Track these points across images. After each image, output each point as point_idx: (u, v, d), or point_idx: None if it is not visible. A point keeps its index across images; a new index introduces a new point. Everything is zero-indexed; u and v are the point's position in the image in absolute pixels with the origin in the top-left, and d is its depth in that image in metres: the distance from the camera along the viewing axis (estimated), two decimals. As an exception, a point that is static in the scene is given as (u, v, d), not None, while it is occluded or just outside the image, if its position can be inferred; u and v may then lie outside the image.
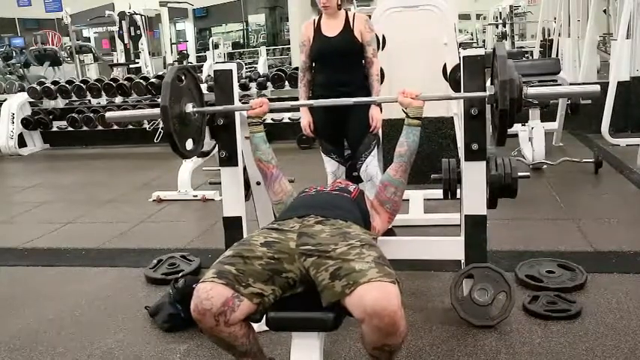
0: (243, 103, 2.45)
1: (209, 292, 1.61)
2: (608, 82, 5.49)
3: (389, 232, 3.28)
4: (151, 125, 1.91)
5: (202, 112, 2.23)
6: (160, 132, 1.84)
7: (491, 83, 2.09)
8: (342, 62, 3.00)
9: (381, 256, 1.68)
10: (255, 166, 2.34)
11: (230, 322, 1.63)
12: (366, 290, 1.53)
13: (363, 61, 3.06)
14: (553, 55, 8.78)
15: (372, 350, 1.66)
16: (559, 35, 8.54)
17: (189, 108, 2.13)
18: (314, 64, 3.12)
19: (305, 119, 3.15)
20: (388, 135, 4.53)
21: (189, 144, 2.16)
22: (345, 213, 1.93)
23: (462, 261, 2.45)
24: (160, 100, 2.00)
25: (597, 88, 1.98)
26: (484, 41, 15.65)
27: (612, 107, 5.35)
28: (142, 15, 11.23)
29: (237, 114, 2.36)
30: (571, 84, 5.24)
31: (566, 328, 2.26)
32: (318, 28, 3.06)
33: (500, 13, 13.59)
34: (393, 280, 1.56)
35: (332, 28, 3.03)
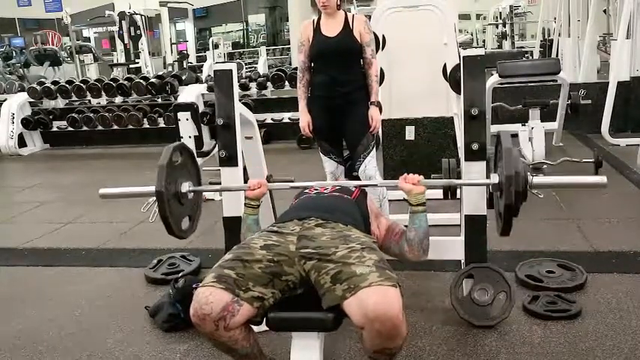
0: (243, 103, 2.44)
1: (209, 297, 1.60)
2: (608, 82, 5.49)
3: None
4: (145, 206, 1.93)
5: (199, 191, 2.20)
6: (155, 212, 1.81)
7: (495, 171, 2.05)
8: (342, 62, 3.00)
9: (382, 260, 1.67)
10: (255, 166, 2.34)
11: (230, 327, 1.62)
12: (367, 294, 1.52)
13: (362, 62, 3.06)
14: (553, 55, 8.79)
15: (372, 353, 1.65)
16: (559, 35, 8.54)
17: (186, 187, 2.08)
18: (313, 64, 3.12)
19: (304, 120, 3.15)
20: (388, 135, 4.55)
21: (184, 223, 2.14)
22: (345, 216, 1.92)
23: (462, 261, 2.45)
24: (155, 182, 1.95)
25: (604, 179, 1.86)
26: (484, 41, 15.66)
27: (612, 107, 5.35)
28: (142, 15, 11.24)
29: (236, 114, 2.36)
30: (572, 84, 5.25)
31: (566, 328, 2.26)
32: (317, 28, 3.06)
33: (500, 13, 13.59)
34: (394, 284, 1.55)
35: (331, 28, 3.03)
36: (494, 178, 1.98)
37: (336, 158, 3.19)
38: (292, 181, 2.39)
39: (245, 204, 2.13)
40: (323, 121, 3.10)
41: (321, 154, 3.24)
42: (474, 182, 2.20)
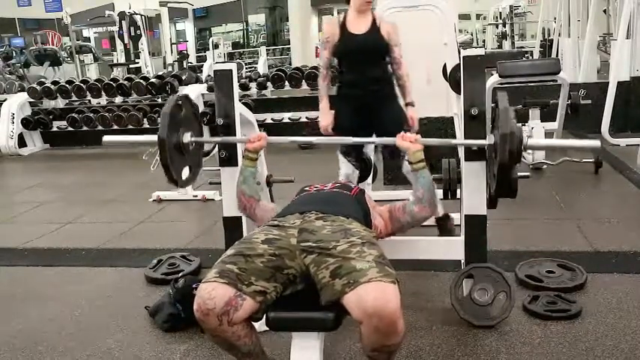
0: (243, 103, 2.45)
1: (212, 292, 1.61)
2: (608, 82, 5.49)
3: None
4: (147, 154, 1.93)
5: (200, 142, 2.22)
6: (156, 160, 1.86)
7: (492, 132, 2.08)
8: (369, 60, 2.97)
9: (382, 255, 1.68)
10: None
11: (233, 322, 1.63)
12: (366, 290, 1.53)
13: (390, 62, 3.03)
14: (553, 55, 8.79)
15: (370, 352, 1.66)
16: (559, 35, 8.54)
17: (187, 138, 2.11)
18: (340, 63, 3.09)
19: (326, 119, 3.09)
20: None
21: (185, 172, 2.15)
22: (346, 209, 1.93)
23: (462, 261, 2.45)
24: (158, 128, 1.98)
25: (598, 143, 1.97)
26: (484, 41, 15.66)
27: (612, 107, 5.35)
28: (142, 15, 11.24)
29: (236, 114, 2.36)
30: (572, 84, 5.25)
31: (566, 328, 2.26)
32: (343, 26, 3.03)
33: (500, 13, 13.60)
34: (393, 280, 1.56)
35: (359, 26, 3.00)
36: (490, 139, 2.03)
37: (355, 162, 3.14)
38: (292, 181, 2.39)
39: (244, 156, 2.20)
40: (351, 121, 3.05)
41: (339, 156, 3.18)
42: (470, 143, 2.20)
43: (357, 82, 3.01)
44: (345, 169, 3.16)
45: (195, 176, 2.25)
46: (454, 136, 3.81)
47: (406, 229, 2.19)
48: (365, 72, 2.98)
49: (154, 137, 2.00)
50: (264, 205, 2.22)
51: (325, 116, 3.11)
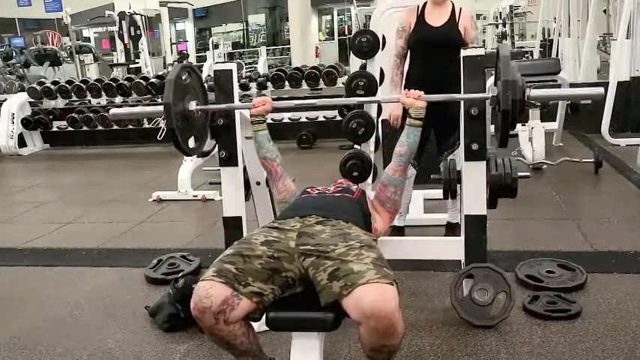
0: (243, 102, 2.46)
1: (209, 291, 1.62)
2: (608, 82, 5.49)
3: (398, 233, 3.29)
4: (154, 122, 1.90)
5: (205, 110, 2.23)
6: (163, 129, 1.85)
7: (494, 84, 2.08)
8: (441, 54, 2.87)
9: (380, 258, 1.68)
10: (255, 166, 2.34)
11: (229, 321, 1.63)
12: (364, 292, 1.53)
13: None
14: (553, 55, 8.79)
15: (370, 352, 1.66)
16: (559, 35, 8.54)
17: (193, 106, 2.14)
18: (410, 54, 3.03)
19: (397, 110, 3.07)
20: (388, 135, 4.55)
21: (191, 142, 2.16)
22: (346, 214, 1.93)
23: (462, 261, 2.45)
24: (163, 96, 2.01)
25: (601, 90, 1.99)
26: (484, 41, 15.65)
27: (612, 107, 5.35)
28: (142, 15, 11.23)
29: (237, 114, 2.36)
30: (572, 84, 5.25)
31: (566, 328, 2.26)
32: (421, 16, 2.98)
33: (500, 13, 13.58)
34: (391, 282, 1.56)
35: (436, 17, 2.95)
36: (493, 91, 2.03)
37: (412, 159, 3.09)
38: (292, 181, 2.38)
39: (252, 122, 2.24)
40: None
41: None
42: (473, 96, 2.20)
43: (426, 78, 2.94)
44: None
45: (201, 146, 2.26)
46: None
47: (397, 200, 2.19)
48: (435, 68, 2.89)
49: (161, 108, 2.01)
50: (289, 182, 2.27)
51: (397, 106, 3.08)
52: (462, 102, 2.29)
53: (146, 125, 7.05)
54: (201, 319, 1.64)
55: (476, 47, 2.86)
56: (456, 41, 2.82)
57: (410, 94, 2.16)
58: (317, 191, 2.17)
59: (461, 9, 2.98)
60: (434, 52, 2.90)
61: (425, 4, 3.00)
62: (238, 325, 1.66)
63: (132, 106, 7.18)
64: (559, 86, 5.08)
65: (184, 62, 12.67)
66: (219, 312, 1.61)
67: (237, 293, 1.63)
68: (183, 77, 2.10)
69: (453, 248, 2.43)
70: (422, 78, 2.98)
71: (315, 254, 1.68)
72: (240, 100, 2.46)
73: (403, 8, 3.50)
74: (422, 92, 2.16)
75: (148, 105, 7.19)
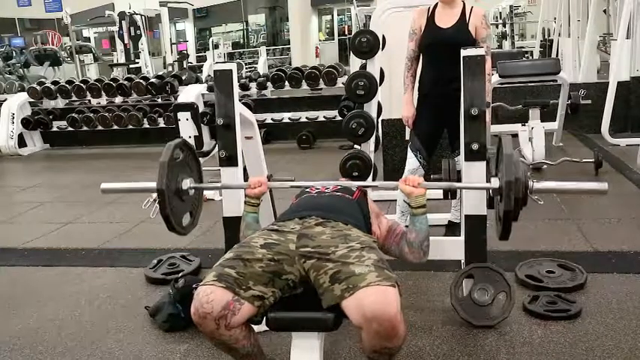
0: (243, 103, 2.45)
1: (209, 296, 1.61)
2: (608, 82, 5.49)
3: None
4: (146, 204, 1.93)
5: (200, 188, 2.21)
6: (156, 207, 1.82)
7: (495, 174, 2.03)
8: (452, 56, 2.73)
9: (381, 259, 1.68)
10: (255, 166, 2.34)
11: (231, 326, 1.62)
12: (366, 294, 1.53)
13: None
14: (553, 55, 8.79)
15: (371, 353, 1.66)
16: (559, 35, 8.54)
17: (187, 184, 2.09)
18: (422, 56, 3.02)
19: (408, 111, 3.06)
20: (388, 135, 4.55)
21: (185, 219, 2.14)
22: (345, 215, 1.92)
23: (462, 261, 2.45)
24: (157, 179, 1.96)
25: (605, 186, 1.89)
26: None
27: (612, 107, 5.35)
28: (142, 15, 11.23)
29: (236, 114, 2.36)
30: (572, 84, 5.25)
31: (566, 328, 2.26)
32: (431, 17, 2.96)
33: (500, 13, 13.58)
34: (392, 284, 1.56)
35: (446, 19, 2.92)
36: (495, 183, 1.97)
37: (422, 159, 3.07)
38: (293, 181, 2.39)
39: (245, 202, 2.15)
40: (428, 121, 3.02)
41: (408, 148, 3.13)
42: (474, 186, 2.20)
43: (438, 81, 2.93)
44: (411, 165, 3.08)
45: (196, 221, 2.22)
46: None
47: (392, 256, 2.14)
48: (447, 70, 2.83)
49: (154, 184, 1.96)
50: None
51: (408, 107, 3.08)
52: (462, 102, 2.29)
53: (146, 125, 7.05)
54: (202, 324, 1.63)
55: (487, 46, 2.89)
56: (466, 42, 2.75)
57: (409, 182, 2.03)
58: (316, 191, 2.17)
59: (472, 8, 2.94)
60: (445, 54, 2.85)
61: (436, 4, 2.99)
62: (239, 329, 1.66)
63: (132, 106, 7.21)
64: (559, 87, 5.09)
65: (184, 63, 12.69)
66: (221, 317, 1.60)
67: (238, 298, 1.62)
68: (177, 156, 2.05)
69: (453, 248, 2.43)
70: (434, 80, 2.98)
71: (315, 256, 1.68)
72: (240, 101, 2.46)
73: (403, 8, 3.51)
74: (421, 179, 2.06)
75: (148, 106, 7.21)
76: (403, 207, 3.14)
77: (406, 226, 2.13)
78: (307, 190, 2.20)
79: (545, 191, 1.94)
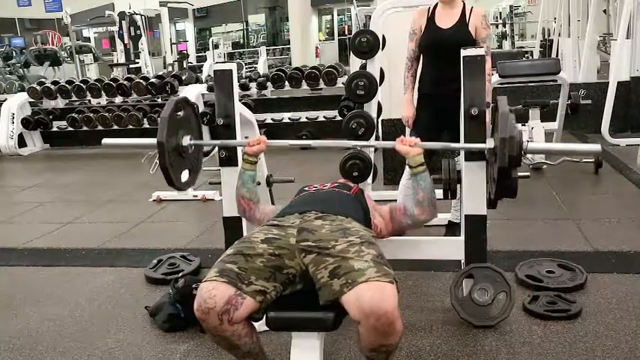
0: (242, 103, 2.45)
1: (212, 291, 1.62)
2: (608, 82, 5.49)
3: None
4: (145, 158, 1.92)
5: (199, 145, 2.22)
6: (156, 163, 1.85)
7: (492, 135, 2.07)
8: (452, 57, 2.72)
9: (380, 255, 1.69)
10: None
11: (234, 321, 1.63)
12: (364, 290, 1.53)
13: None
14: (553, 55, 8.79)
15: (368, 352, 1.66)
16: (559, 35, 8.54)
17: (187, 141, 2.11)
18: (422, 56, 3.02)
19: (408, 110, 3.07)
20: (388, 135, 4.55)
21: (184, 175, 2.15)
22: (345, 209, 1.93)
23: (462, 261, 2.46)
24: (157, 132, 1.98)
25: (598, 147, 1.98)
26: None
27: (612, 107, 5.36)
28: (142, 15, 11.23)
29: (236, 114, 2.36)
30: (572, 84, 5.25)
31: (566, 328, 2.26)
32: (431, 18, 2.96)
33: (500, 13, 13.60)
34: (391, 280, 1.57)
35: (446, 19, 2.92)
36: (490, 143, 2.03)
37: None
38: (292, 181, 2.39)
39: (243, 159, 2.20)
40: (428, 121, 3.03)
41: None
42: (470, 147, 2.20)
43: (438, 81, 2.94)
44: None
45: (194, 179, 2.26)
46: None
47: (407, 231, 2.22)
48: (447, 70, 2.83)
49: (154, 140, 2.00)
50: (264, 207, 2.23)
51: (408, 107, 3.08)
52: (462, 102, 2.29)
53: (146, 125, 7.05)
54: (205, 320, 1.63)
55: (487, 47, 2.89)
56: (465, 42, 2.74)
57: (405, 142, 2.10)
58: (314, 188, 2.18)
59: (472, 8, 2.94)
60: (445, 55, 2.85)
61: (436, 5, 2.98)
62: (242, 325, 1.66)
63: (132, 106, 7.20)
64: (559, 87, 5.08)
65: (184, 63, 12.68)
66: (224, 312, 1.61)
67: (240, 292, 1.63)
68: (178, 111, 2.09)
69: (453, 248, 2.43)
70: (434, 80, 2.98)
71: (315, 251, 1.69)
72: (240, 101, 2.46)
73: (403, 8, 3.51)
74: (418, 140, 2.12)
75: (148, 106, 7.21)
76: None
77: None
78: (305, 188, 2.22)
79: (539, 151, 1.98)
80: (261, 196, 2.57)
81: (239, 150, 2.37)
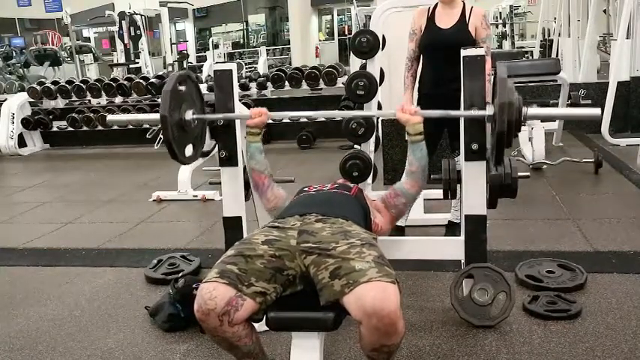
0: (242, 102, 2.45)
1: (212, 293, 1.61)
2: (608, 82, 5.50)
3: (398, 232, 3.29)
4: (150, 133, 1.91)
5: (202, 119, 2.23)
6: (160, 138, 1.85)
7: (492, 102, 2.08)
8: (452, 57, 2.70)
9: (381, 256, 1.68)
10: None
11: (234, 322, 1.63)
12: (366, 290, 1.53)
13: None
14: (553, 55, 8.79)
15: (370, 352, 1.66)
16: (559, 35, 8.54)
17: (189, 115, 2.12)
18: (422, 56, 3.03)
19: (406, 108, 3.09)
20: (388, 135, 4.55)
21: (188, 150, 2.16)
22: (345, 211, 1.93)
23: (462, 261, 2.45)
24: (160, 106, 2.01)
25: (598, 111, 2.00)
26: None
27: (612, 107, 5.36)
28: (142, 15, 11.23)
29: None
30: (572, 84, 5.25)
31: (566, 328, 2.26)
32: (431, 18, 2.96)
33: (500, 13, 13.59)
34: (392, 280, 1.57)
35: (445, 19, 2.93)
36: (490, 110, 2.05)
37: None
38: (292, 181, 2.39)
39: (247, 132, 2.25)
40: (428, 121, 2.95)
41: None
42: (470, 114, 2.20)
43: (438, 81, 2.94)
44: None
45: (198, 154, 2.27)
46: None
47: (405, 210, 2.27)
48: (447, 70, 2.82)
49: (157, 115, 2.02)
50: (277, 189, 2.26)
51: (407, 103, 3.04)
52: (462, 102, 2.29)
53: (146, 125, 7.04)
54: (205, 321, 1.63)
55: (487, 47, 2.89)
56: (465, 42, 2.72)
57: (405, 110, 2.16)
58: (314, 189, 2.18)
59: (472, 8, 2.94)
60: (445, 55, 2.85)
61: (436, 5, 2.99)
62: (242, 326, 1.66)
63: (132, 106, 7.20)
64: (559, 87, 5.09)
65: (184, 63, 12.69)
66: (224, 313, 1.61)
67: (240, 294, 1.63)
68: (180, 86, 2.10)
69: (453, 248, 2.43)
70: (434, 80, 2.99)
71: (316, 252, 1.69)
72: (240, 101, 2.46)
73: (403, 8, 3.50)
74: (418, 108, 2.17)
75: (148, 106, 7.21)
76: None
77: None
78: (305, 188, 2.22)
79: (538, 117, 1.99)
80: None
81: (239, 150, 2.37)
